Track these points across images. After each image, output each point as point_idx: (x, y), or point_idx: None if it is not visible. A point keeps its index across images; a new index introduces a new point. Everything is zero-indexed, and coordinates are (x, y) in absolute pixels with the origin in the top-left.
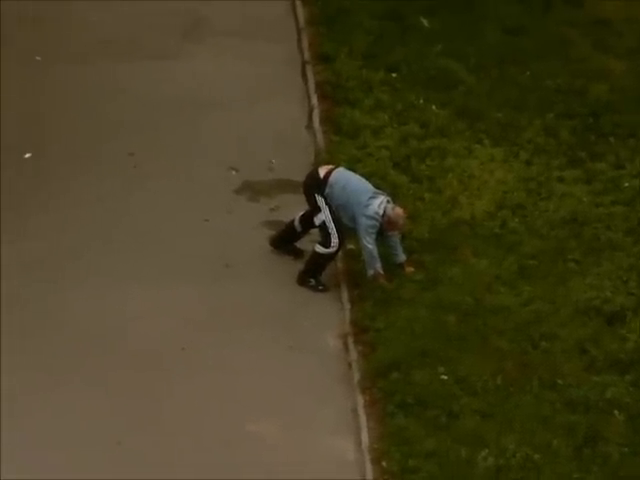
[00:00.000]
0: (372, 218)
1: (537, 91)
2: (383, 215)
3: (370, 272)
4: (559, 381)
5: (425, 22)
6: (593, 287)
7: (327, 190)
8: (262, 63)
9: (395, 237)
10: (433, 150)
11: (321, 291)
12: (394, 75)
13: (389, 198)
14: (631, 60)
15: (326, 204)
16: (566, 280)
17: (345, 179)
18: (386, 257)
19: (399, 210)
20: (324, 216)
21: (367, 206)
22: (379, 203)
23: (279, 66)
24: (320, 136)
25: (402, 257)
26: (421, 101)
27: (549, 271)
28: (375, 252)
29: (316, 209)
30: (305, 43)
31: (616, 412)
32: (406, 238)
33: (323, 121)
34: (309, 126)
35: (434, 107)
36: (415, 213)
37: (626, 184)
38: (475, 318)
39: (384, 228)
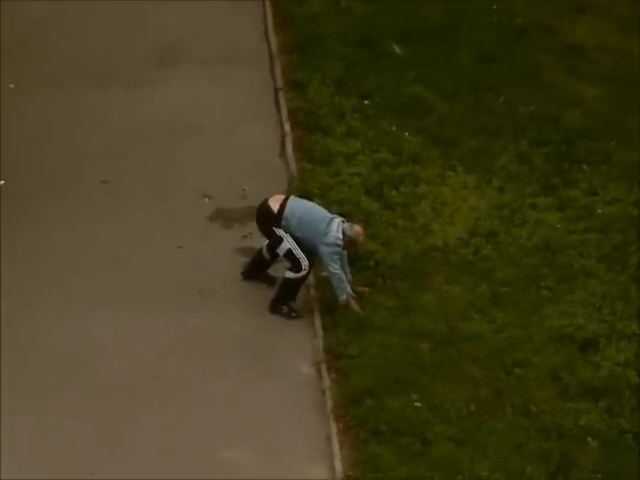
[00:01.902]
0: (334, 245)
1: (511, 118)
2: (343, 237)
3: (343, 297)
4: (532, 408)
5: (397, 49)
6: (566, 314)
7: (284, 223)
8: (235, 90)
9: (344, 256)
10: (406, 177)
11: (294, 318)
12: (366, 102)
13: (343, 218)
14: (604, 86)
15: (285, 232)
16: (539, 307)
17: (300, 210)
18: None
19: (357, 228)
20: (288, 244)
21: (327, 234)
22: (337, 227)
23: (252, 93)
24: (293, 163)
25: (349, 277)
26: (394, 128)
27: (522, 298)
28: (343, 277)
29: (277, 241)
30: (278, 70)
31: (589, 439)
32: (379, 265)
33: (296, 148)
34: (282, 153)
35: (407, 134)
36: (388, 240)
37: (599, 211)
38: (448, 345)
39: (344, 248)
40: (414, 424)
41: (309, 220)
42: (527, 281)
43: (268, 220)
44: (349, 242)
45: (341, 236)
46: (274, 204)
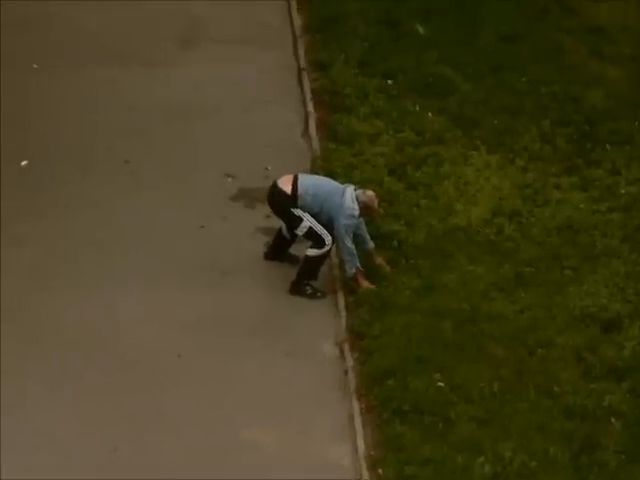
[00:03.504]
0: (351, 216)
1: (533, 98)
2: (358, 204)
3: (352, 270)
4: (556, 388)
5: (421, 29)
6: (590, 294)
7: (300, 203)
8: (258, 70)
9: (362, 224)
10: (429, 157)
11: (319, 297)
12: (390, 82)
13: (354, 186)
14: (626, 67)
15: (304, 211)
16: (562, 287)
17: (312, 186)
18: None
19: (370, 193)
20: (308, 223)
21: (342, 205)
22: (351, 197)
23: (275, 73)
24: (316, 143)
25: (371, 244)
26: (417, 108)
27: (545, 278)
28: (354, 251)
29: (296, 221)
30: (301, 50)
31: (613, 420)
32: (402, 244)
33: (319, 128)
34: (305, 133)
35: (430, 114)
36: (411, 220)
37: (622, 191)
38: (471, 325)
39: (361, 215)
40: (437, 404)
41: (324, 194)
42: (550, 261)
43: (284, 203)
44: (364, 208)
45: (357, 206)
46: (285, 185)
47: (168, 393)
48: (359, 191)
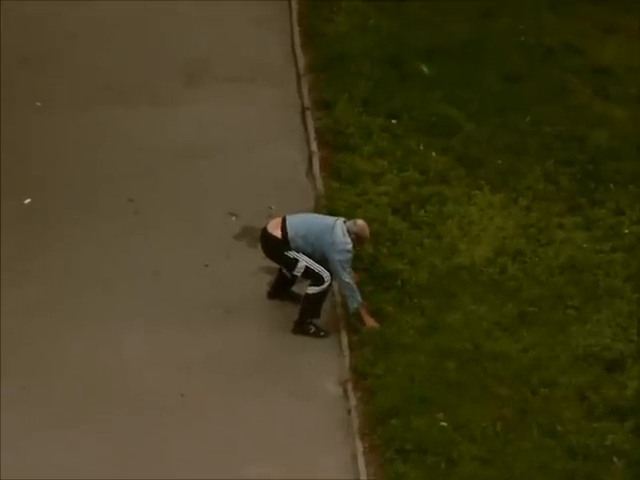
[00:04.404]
0: (344, 251)
1: (537, 138)
2: (350, 236)
3: (354, 306)
4: (559, 428)
5: (425, 69)
6: (593, 334)
7: (293, 245)
8: (262, 108)
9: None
10: (433, 196)
11: (323, 337)
12: (394, 121)
13: (343, 219)
14: (632, 107)
15: (297, 252)
16: (566, 327)
17: (302, 227)
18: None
19: (361, 222)
20: (304, 262)
21: (334, 243)
22: (342, 232)
23: (279, 111)
24: (320, 182)
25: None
26: (421, 147)
27: (549, 317)
28: (354, 286)
29: (292, 263)
30: (305, 89)
31: (615, 459)
32: (406, 284)
33: (323, 167)
34: (309, 172)
35: (434, 153)
36: (415, 259)
37: (626, 231)
38: (475, 364)
39: (355, 246)
40: (440, 444)
41: (313, 234)
42: (553, 300)
43: (276, 247)
44: (357, 239)
45: (349, 240)
46: (275, 230)
47: (171, 432)
48: (349, 222)
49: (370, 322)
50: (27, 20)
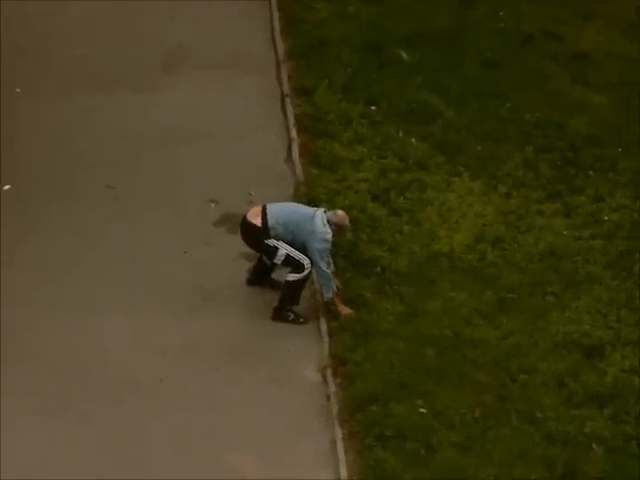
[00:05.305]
0: (324, 240)
1: (516, 124)
2: (330, 226)
3: (329, 295)
4: (538, 414)
5: (404, 55)
6: (572, 321)
7: (273, 233)
8: (242, 95)
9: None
10: (412, 183)
11: (302, 323)
12: (373, 108)
13: (324, 209)
14: (611, 94)
15: (277, 240)
16: (545, 313)
17: (282, 215)
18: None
19: (340, 212)
20: (284, 250)
21: (314, 232)
22: (322, 221)
23: (259, 98)
24: (299, 169)
25: (332, 267)
26: (400, 134)
27: (528, 304)
28: (331, 275)
29: (272, 251)
30: (284, 76)
31: (595, 446)
32: (386, 271)
33: (302, 154)
34: (288, 159)
35: (413, 140)
36: (394, 246)
37: (605, 218)
38: (454, 351)
39: (335, 236)
40: (419, 430)
41: (293, 222)
42: (533, 287)
43: (256, 236)
44: (337, 230)
45: (329, 230)
46: (255, 219)
47: (151, 418)
48: (329, 213)
49: (345, 310)
50: (10, 14)
